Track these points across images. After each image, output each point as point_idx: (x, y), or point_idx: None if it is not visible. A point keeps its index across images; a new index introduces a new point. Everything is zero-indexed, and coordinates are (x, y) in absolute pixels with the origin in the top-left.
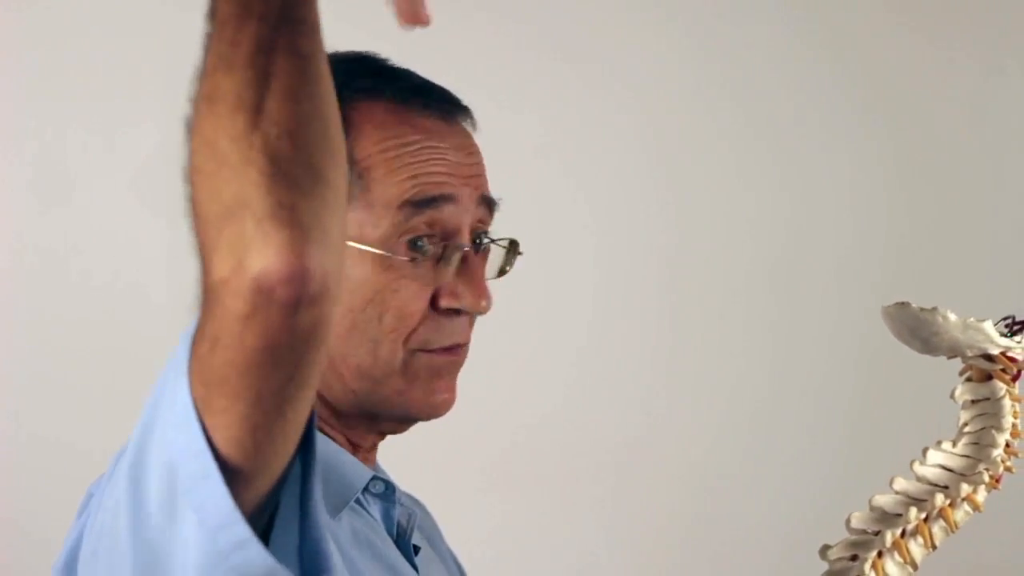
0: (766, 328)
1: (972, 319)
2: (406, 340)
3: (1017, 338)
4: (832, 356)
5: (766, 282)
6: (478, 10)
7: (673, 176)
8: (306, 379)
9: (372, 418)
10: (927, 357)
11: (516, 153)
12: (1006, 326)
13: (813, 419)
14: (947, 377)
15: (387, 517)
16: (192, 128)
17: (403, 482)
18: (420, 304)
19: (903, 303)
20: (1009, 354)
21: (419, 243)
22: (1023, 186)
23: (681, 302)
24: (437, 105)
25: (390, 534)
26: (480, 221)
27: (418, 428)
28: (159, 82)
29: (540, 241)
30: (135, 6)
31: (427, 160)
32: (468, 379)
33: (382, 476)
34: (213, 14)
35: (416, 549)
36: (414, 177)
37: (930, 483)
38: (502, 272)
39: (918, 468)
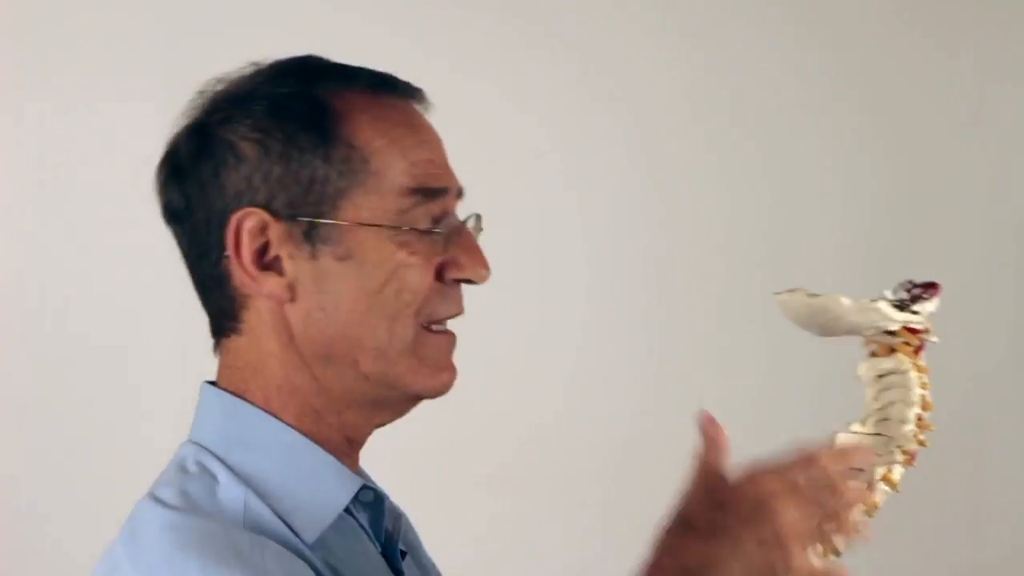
0: (758, 327)
1: (866, 300)
2: (417, 314)
3: (916, 307)
4: (824, 355)
5: (757, 281)
6: (471, 10)
7: (665, 178)
8: None
9: (377, 405)
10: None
11: (510, 155)
12: (906, 290)
13: (806, 412)
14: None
15: (375, 525)
16: None
17: (401, 487)
18: (431, 278)
19: (794, 290)
20: (910, 326)
21: (431, 222)
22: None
23: (673, 302)
24: (404, 89)
25: (378, 539)
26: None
27: (417, 432)
28: (160, 82)
29: (535, 245)
30: (136, 5)
31: (417, 144)
32: (466, 385)
33: (371, 485)
34: None
35: (403, 554)
36: (415, 164)
37: None
38: None
39: None
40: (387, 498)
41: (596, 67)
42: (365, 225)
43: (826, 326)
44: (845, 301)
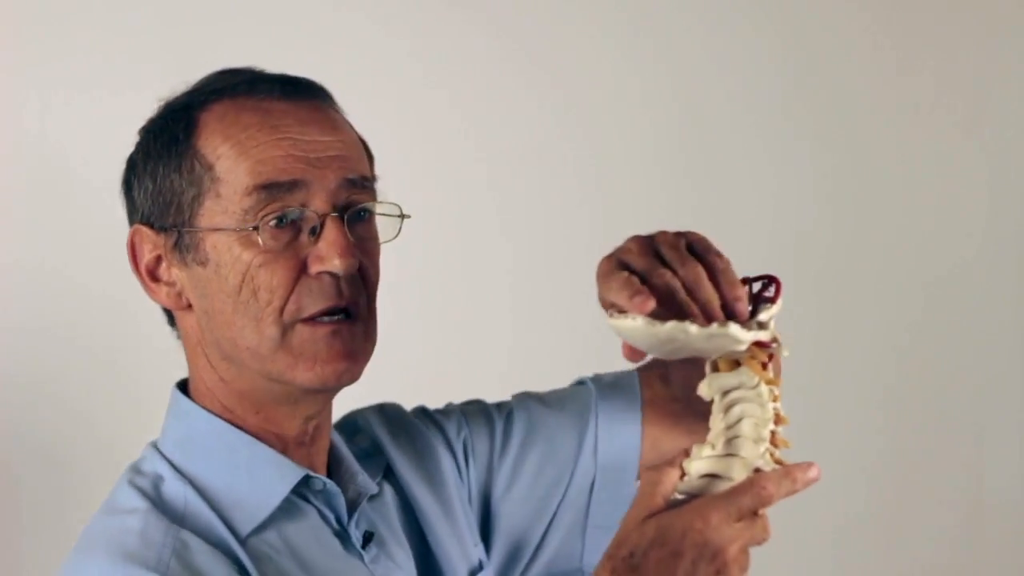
0: None
1: (715, 326)
2: (282, 311)
3: (763, 315)
4: None
5: None
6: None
7: (603, 173)
8: None
9: (287, 399)
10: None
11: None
12: (762, 284)
13: None
14: None
15: (334, 510)
16: None
17: None
18: (288, 274)
19: (633, 318)
20: (759, 341)
21: (276, 219)
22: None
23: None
24: (279, 87)
25: (339, 523)
26: (353, 198)
27: None
28: (162, 80)
29: (460, 242)
30: (138, 3)
31: (269, 142)
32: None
33: (319, 475)
34: None
35: (369, 536)
36: (260, 162)
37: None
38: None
39: (682, 486)
40: (337, 483)
41: (531, 57)
42: (214, 230)
43: (672, 352)
44: (692, 329)
